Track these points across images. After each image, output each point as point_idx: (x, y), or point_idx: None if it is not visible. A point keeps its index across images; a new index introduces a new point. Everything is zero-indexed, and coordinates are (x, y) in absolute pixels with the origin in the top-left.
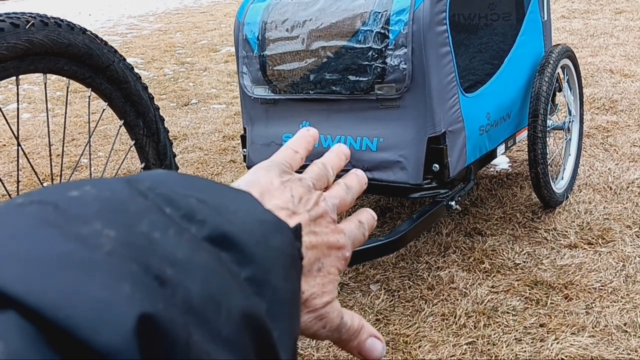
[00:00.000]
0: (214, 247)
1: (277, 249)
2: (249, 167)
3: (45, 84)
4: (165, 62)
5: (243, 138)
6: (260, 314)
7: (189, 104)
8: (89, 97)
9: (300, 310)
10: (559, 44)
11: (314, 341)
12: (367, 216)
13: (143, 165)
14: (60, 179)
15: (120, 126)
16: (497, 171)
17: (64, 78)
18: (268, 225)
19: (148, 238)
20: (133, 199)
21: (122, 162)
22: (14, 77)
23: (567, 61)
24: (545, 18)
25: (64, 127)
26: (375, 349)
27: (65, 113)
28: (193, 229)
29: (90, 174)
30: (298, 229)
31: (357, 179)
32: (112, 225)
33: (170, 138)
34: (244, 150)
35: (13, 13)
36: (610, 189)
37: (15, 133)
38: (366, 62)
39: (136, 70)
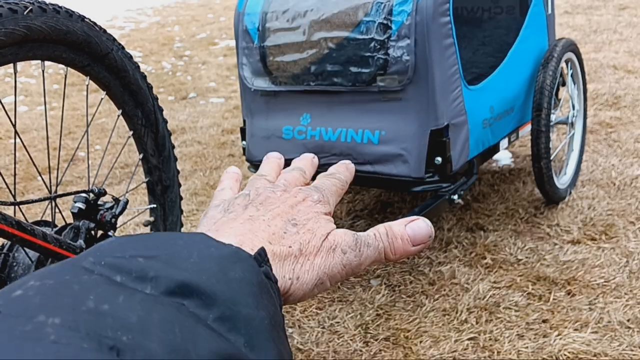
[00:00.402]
0: (175, 298)
1: (240, 280)
2: (248, 160)
3: (43, 71)
4: (164, 55)
5: (242, 131)
6: (237, 350)
7: (187, 97)
8: (87, 85)
9: (284, 332)
10: (563, 38)
11: (314, 336)
12: (336, 167)
13: (141, 156)
14: (57, 172)
15: (119, 116)
16: (499, 166)
17: (61, 71)
18: (225, 259)
19: (96, 312)
20: (77, 278)
21: (119, 154)
22: (12, 66)
23: (571, 55)
24: (550, 12)
25: (62, 119)
26: (420, 228)
27: (63, 104)
28: (148, 288)
29: (88, 167)
30: (261, 252)
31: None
32: (56, 312)
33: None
34: (244, 143)
35: None
36: (614, 184)
37: (14, 124)
38: (368, 54)
39: None
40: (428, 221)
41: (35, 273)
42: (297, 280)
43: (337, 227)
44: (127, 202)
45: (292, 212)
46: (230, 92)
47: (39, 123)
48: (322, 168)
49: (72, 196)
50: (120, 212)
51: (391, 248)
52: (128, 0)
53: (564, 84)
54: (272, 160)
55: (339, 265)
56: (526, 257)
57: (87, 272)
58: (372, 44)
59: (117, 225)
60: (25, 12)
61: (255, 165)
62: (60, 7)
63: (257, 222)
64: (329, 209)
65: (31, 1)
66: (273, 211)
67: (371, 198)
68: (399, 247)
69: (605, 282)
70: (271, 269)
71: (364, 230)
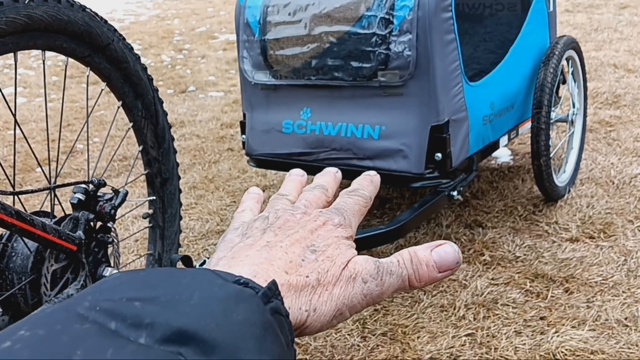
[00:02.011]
0: (171, 346)
1: (244, 322)
2: (247, 154)
3: (43, 61)
4: (163, 48)
5: (242, 124)
6: None
7: (186, 91)
8: (87, 76)
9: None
10: (564, 35)
11: None
12: (360, 181)
13: (141, 147)
14: (57, 163)
15: (119, 107)
16: (498, 164)
17: (60, 63)
18: (229, 300)
19: None
20: (69, 328)
21: (118, 146)
22: (12, 56)
23: (572, 53)
24: (551, 9)
25: (62, 110)
26: (447, 254)
27: (63, 95)
28: (143, 336)
29: (88, 158)
30: (272, 286)
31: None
32: None
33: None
34: (243, 136)
35: None
36: (613, 183)
37: (14, 114)
38: (369, 48)
39: None
40: (455, 246)
41: (29, 318)
42: (314, 312)
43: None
44: (126, 194)
45: (312, 237)
46: (229, 86)
47: (38, 115)
48: (322, 162)
49: (72, 187)
50: (120, 204)
51: (416, 275)
52: None
53: (564, 82)
54: (294, 178)
55: (359, 296)
56: (524, 255)
57: (80, 319)
58: (373, 39)
59: (116, 217)
60: (26, 1)
61: (254, 159)
62: None
63: (274, 249)
64: (351, 232)
65: None
66: (292, 237)
67: None
68: (424, 274)
69: (603, 280)
70: (282, 303)
71: (363, 227)
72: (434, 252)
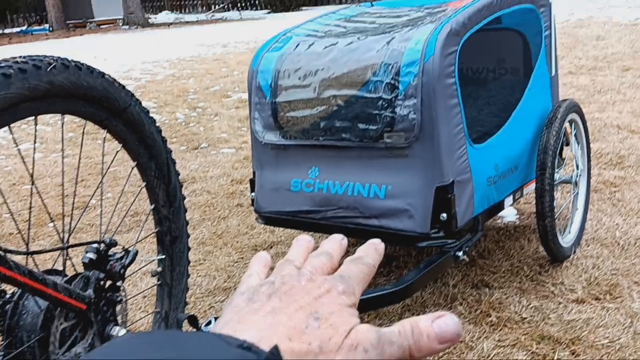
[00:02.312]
0: None
1: None
2: (256, 212)
3: (62, 124)
4: (178, 106)
5: (252, 182)
6: None
7: (199, 147)
8: (104, 138)
9: None
10: (566, 99)
11: None
12: (365, 249)
13: (153, 206)
14: (71, 219)
15: (133, 167)
16: (504, 223)
17: (76, 119)
18: None
19: None
20: None
21: (131, 204)
22: (32, 117)
23: (574, 116)
24: (553, 73)
25: (78, 168)
26: (447, 326)
27: (80, 154)
28: None
29: (101, 215)
30: (274, 351)
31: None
32: None
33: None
34: (252, 194)
35: (36, 56)
36: (618, 244)
37: (30, 172)
38: (376, 111)
39: None
40: (456, 318)
41: None
42: None
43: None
44: (136, 253)
45: (316, 304)
46: (241, 142)
47: (53, 170)
48: (329, 221)
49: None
50: (130, 263)
51: (417, 346)
52: (145, 53)
53: (567, 144)
54: (301, 244)
55: None
56: (530, 316)
57: None
58: (379, 102)
59: (125, 275)
60: (48, 69)
61: (262, 216)
62: (82, 64)
63: (279, 315)
64: (354, 299)
65: (55, 58)
66: (296, 302)
67: None
68: (424, 345)
69: (609, 342)
70: None
71: (370, 286)
72: (434, 324)
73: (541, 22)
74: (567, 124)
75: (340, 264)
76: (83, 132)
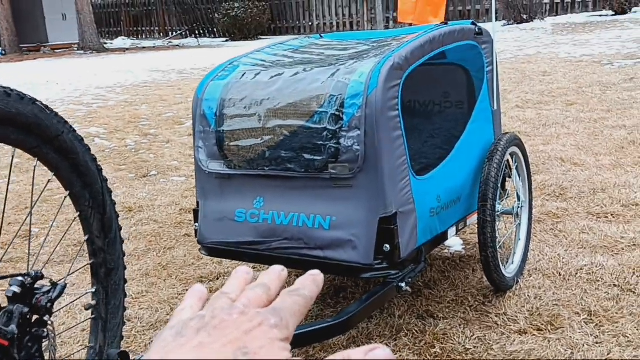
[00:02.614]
0: None
1: None
2: (199, 242)
3: None
4: (128, 133)
5: (195, 212)
6: None
7: (148, 175)
8: (35, 167)
9: None
10: (507, 133)
11: None
12: (302, 281)
13: (87, 237)
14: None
15: (65, 197)
16: (450, 253)
17: (9, 147)
18: None
19: None
20: None
21: (64, 235)
22: None
23: (515, 149)
24: (495, 107)
25: (5, 197)
26: (379, 357)
27: (9, 181)
28: None
29: (29, 246)
30: None
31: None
32: None
33: (125, 209)
34: (196, 224)
35: None
36: (560, 274)
37: None
38: (321, 142)
39: (98, 140)
40: (388, 349)
41: None
42: None
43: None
44: (65, 287)
45: (246, 338)
46: (192, 170)
47: None
48: (274, 252)
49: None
50: (57, 297)
51: None
52: (99, 79)
53: (510, 176)
54: (239, 275)
55: None
56: (474, 347)
57: None
58: (324, 133)
59: (55, 310)
60: None
61: (206, 247)
62: (12, 90)
63: (206, 350)
64: (287, 333)
65: None
66: (225, 338)
67: (324, 282)
68: None
69: None
70: None
71: (317, 317)
72: (367, 356)
73: (483, 58)
74: (508, 157)
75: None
76: (12, 159)
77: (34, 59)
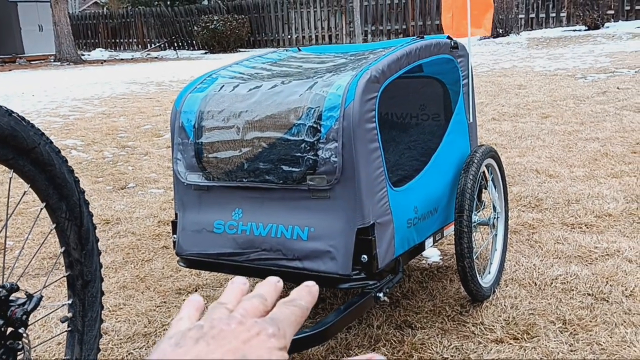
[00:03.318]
0: None
1: None
2: (178, 254)
3: None
4: (106, 145)
5: (174, 224)
6: None
7: (126, 187)
8: (10, 178)
9: None
10: (483, 145)
11: None
12: (298, 291)
13: (63, 249)
14: None
15: (41, 209)
16: (428, 264)
17: None
18: None
19: None
20: None
21: (39, 248)
22: None
23: (491, 161)
24: (471, 120)
25: None
26: None
27: None
28: None
29: (4, 258)
30: None
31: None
32: None
33: (103, 222)
34: (174, 236)
35: None
36: (535, 284)
37: None
38: (299, 154)
39: (75, 152)
40: (384, 358)
41: None
42: None
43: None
44: (40, 299)
45: (244, 348)
46: (170, 183)
47: None
48: (252, 263)
49: None
50: (33, 309)
51: None
52: (76, 90)
53: (486, 188)
54: (235, 286)
55: None
56: (451, 356)
57: None
58: (302, 145)
59: (30, 322)
60: None
61: (184, 259)
62: None
63: None
64: (284, 342)
65: None
66: (224, 347)
67: None
68: None
69: None
70: None
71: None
72: None
73: (459, 71)
74: (484, 168)
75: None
76: None
77: (9, 70)
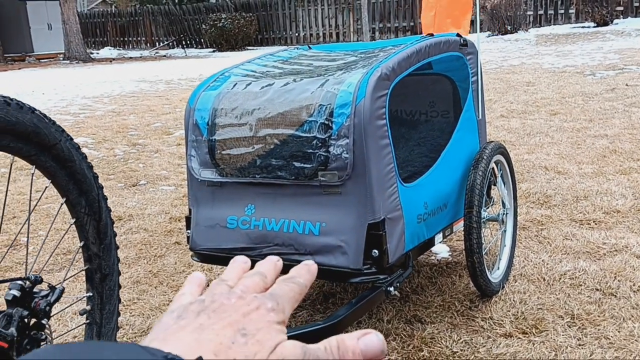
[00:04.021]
0: None
1: None
2: (191, 249)
3: None
4: (117, 142)
5: (188, 219)
6: None
7: (137, 184)
8: (32, 174)
9: None
10: (492, 141)
11: None
12: (297, 270)
13: (82, 243)
14: None
15: (62, 204)
16: (437, 259)
17: (9, 155)
18: None
19: None
20: None
21: (59, 241)
22: None
23: (499, 157)
24: (480, 117)
25: (4, 204)
26: (372, 342)
27: (7, 190)
28: None
29: (27, 252)
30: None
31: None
32: None
33: (115, 218)
34: (188, 231)
35: None
36: (544, 279)
37: None
38: (310, 150)
39: (86, 150)
40: (380, 335)
41: None
42: None
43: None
44: (62, 290)
45: (244, 321)
46: (181, 180)
47: None
48: (265, 258)
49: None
50: (55, 300)
51: None
52: (85, 89)
53: (495, 184)
54: (237, 264)
55: None
56: (461, 350)
57: None
58: (314, 142)
59: (52, 314)
60: None
61: (198, 253)
62: (12, 100)
63: (206, 331)
64: (283, 317)
65: None
66: (224, 320)
67: (314, 288)
68: None
69: None
70: None
71: (307, 322)
72: (360, 341)
73: (468, 69)
74: (493, 165)
75: None
76: (10, 167)
77: (19, 68)
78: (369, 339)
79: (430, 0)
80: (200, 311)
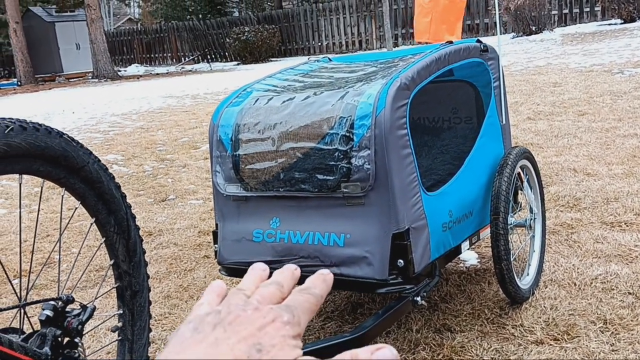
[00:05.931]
0: None
1: None
2: (219, 263)
3: (20, 184)
4: (146, 158)
5: (215, 234)
6: None
7: (166, 199)
8: (62, 196)
9: None
10: (517, 146)
11: None
12: (313, 280)
13: (112, 262)
14: (29, 277)
15: (92, 224)
16: (466, 267)
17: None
18: None
19: None
20: None
21: (91, 259)
22: None
23: (525, 162)
24: (504, 122)
25: (36, 224)
26: (386, 356)
27: (38, 211)
28: None
29: (59, 271)
30: None
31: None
32: None
33: (145, 233)
34: (216, 246)
35: None
36: (575, 284)
37: None
38: (333, 162)
39: (116, 166)
40: (394, 350)
41: None
42: None
43: (305, 344)
44: (94, 309)
45: (259, 335)
46: (209, 193)
47: (17, 226)
48: None
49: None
50: (87, 319)
51: None
52: (114, 106)
53: (522, 189)
54: (255, 272)
55: None
56: (492, 358)
57: None
58: (336, 154)
59: (84, 332)
60: (6, 131)
61: (225, 267)
62: (40, 125)
63: (222, 346)
64: (299, 330)
65: (12, 120)
66: (240, 334)
67: (342, 299)
68: None
69: None
70: None
71: (335, 333)
72: (374, 355)
73: (490, 74)
74: (519, 170)
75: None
76: (41, 190)
77: (49, 88)
78: (383, 353)
79: (425, 6)
80: (216, 324)
